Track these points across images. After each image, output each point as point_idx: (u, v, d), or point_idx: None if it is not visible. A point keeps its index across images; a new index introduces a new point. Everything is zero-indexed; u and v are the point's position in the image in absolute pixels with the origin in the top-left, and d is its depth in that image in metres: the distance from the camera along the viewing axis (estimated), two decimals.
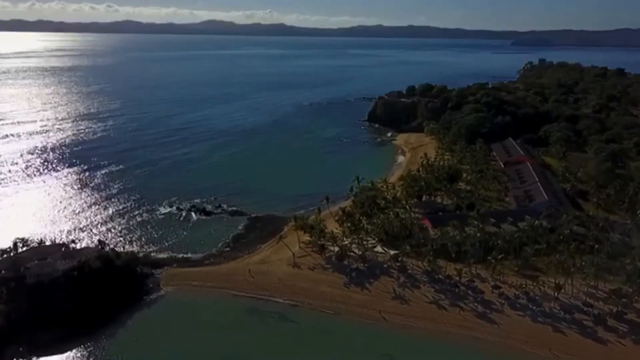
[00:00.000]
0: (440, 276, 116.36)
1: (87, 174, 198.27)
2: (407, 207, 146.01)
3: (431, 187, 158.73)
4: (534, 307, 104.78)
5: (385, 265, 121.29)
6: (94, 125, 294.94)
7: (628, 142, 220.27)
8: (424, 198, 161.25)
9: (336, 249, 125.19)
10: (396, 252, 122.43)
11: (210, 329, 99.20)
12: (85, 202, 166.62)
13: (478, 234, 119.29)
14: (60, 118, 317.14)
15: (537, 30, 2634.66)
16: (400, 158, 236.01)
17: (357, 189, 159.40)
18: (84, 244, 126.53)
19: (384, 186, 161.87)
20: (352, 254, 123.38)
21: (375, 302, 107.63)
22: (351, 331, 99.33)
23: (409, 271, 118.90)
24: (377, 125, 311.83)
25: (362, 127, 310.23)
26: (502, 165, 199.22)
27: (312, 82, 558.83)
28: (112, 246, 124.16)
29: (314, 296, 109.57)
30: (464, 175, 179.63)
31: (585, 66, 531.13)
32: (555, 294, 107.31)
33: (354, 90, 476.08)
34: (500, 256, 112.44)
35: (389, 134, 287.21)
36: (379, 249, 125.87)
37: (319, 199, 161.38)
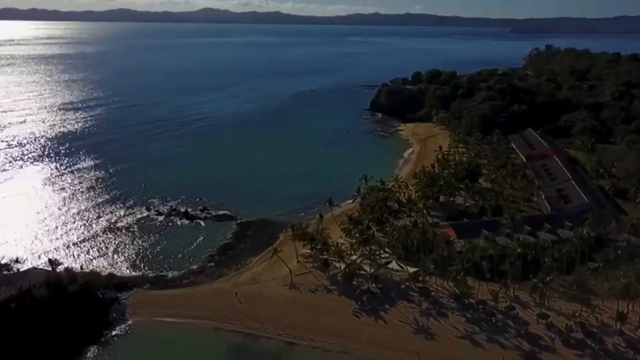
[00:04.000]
0: (472, 300, 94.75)
1: (52, 172, 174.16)
2: (425, 211, 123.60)
3: (452, 186, 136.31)
4: (594, 344, 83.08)
5: (403, 287, 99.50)
6: (75, 116, 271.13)
7: None
8: (441, 199, 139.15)
9: (342, 265, 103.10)
10: (416, 269, 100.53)
11: None
12: (44, 207, 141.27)
13: (519, 249, 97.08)
14: (39, 108, 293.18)
15: (535, 18, 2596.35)
16: (408, 151, 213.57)
17: (364, 189, 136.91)
18: (33, 263, 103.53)
19: (396, 186, 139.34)
20: (362, 272, 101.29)
21: (393, 336, 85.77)
22: None
23: (433, 294, 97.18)
24: (380, 115, 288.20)
25: (365, 117, 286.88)
26: (524, 160, 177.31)
27: (311, 69, 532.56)
28: (67, 265, 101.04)
29: (317, 330, 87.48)
30: (484, 171, 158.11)
31: (595, 52, 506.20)
32: (618, 325, 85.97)
33: (354, 77, 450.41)
34: (548, 279, 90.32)
35: (395, 124, 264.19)
36: (394, 265, 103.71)
37: (319, 200, 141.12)
